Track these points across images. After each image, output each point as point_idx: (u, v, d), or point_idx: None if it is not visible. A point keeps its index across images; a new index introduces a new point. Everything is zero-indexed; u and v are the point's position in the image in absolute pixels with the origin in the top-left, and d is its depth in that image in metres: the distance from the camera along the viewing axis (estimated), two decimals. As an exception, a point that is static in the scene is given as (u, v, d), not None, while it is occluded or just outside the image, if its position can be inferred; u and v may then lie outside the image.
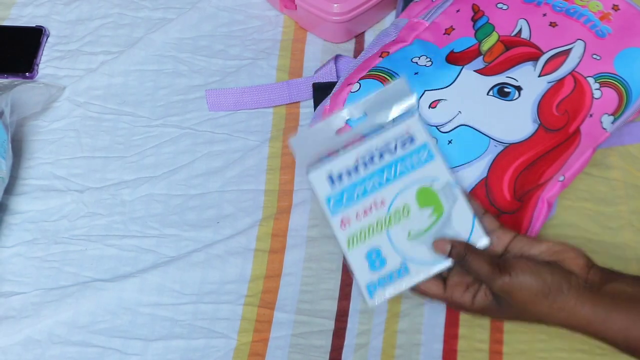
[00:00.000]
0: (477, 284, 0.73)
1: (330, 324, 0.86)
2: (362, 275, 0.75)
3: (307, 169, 0.77)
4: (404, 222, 0.76)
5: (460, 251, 0.73)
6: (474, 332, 0.84)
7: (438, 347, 0.84)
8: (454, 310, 0.78)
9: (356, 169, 0.77)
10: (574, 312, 0.69)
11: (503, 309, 0.72)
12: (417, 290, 0.75)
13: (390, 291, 0.75)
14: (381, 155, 0.77)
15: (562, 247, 0.72)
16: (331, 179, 0.77)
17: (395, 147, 0.77)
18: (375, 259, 0.75)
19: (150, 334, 0.86)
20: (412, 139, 0.77)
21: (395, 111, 0.77)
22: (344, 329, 0.86)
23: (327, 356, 0.84)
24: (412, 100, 0.77)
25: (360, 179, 0.77)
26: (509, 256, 0.73)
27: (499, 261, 0.72)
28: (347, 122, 0.77)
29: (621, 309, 0.69)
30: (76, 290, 0.89)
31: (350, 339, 0.85)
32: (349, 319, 0.86)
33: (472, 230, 0.75)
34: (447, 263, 0.74)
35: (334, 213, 0.76)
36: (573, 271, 0.71)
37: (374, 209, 0.76)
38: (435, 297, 0.75)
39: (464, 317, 0.85)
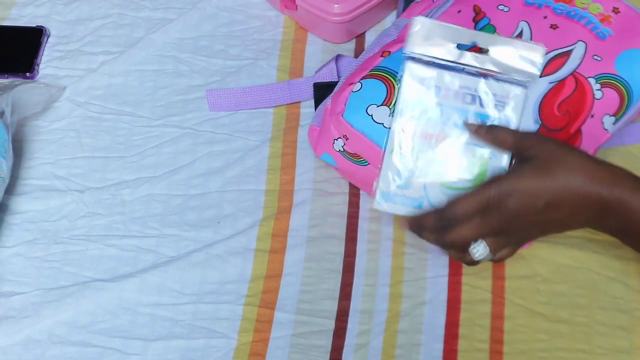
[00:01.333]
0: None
1: (331, 324, 0.86)
2: (385, 181, 0.77)
3: (408, 53, 0.77)
4: (445, 170, 0.77)
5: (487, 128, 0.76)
6: (474, 332, 0.84)
7: (438, 347, 0.84)
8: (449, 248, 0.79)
9: (445, 93, 0.77)
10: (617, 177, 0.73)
11: (526, 169, 0.73)
12: (415, 223, 0.77)
13: (393, 208, 0.78)
14: (472, 98, 0.77)
15: None
16: (422, 82, 0.77)
17: (485, 101, 0.77)
18: (402, 177, 0.77)
19: (151, 334, 0.86)
20: (504, 105, 0.77)
21: (519, 64, 0.77)
22: (344, 329, 0.85)
23: (328, 356, 0.84)
24: (538, 56, 0.76)
25: (443, 105, 0.77)
26: None
27: None
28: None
29: None
30: (76, 290, 0.89)
31: (350, 339, 0.85)
32: (349, 319, 0.86)
33: None
34: None
35: (401, 115, 0.77)
36: None
37: (431, 139, 0.77)
38: (432, 227, 0.76)
39: (464, 317, 0.85)
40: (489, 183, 0.75)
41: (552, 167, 0.73)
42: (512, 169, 0.76)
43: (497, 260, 0.78)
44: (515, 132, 0.76)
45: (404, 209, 0.78)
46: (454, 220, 0.75)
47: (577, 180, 0.73)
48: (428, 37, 0.77)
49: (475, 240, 0.75)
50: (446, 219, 0.75)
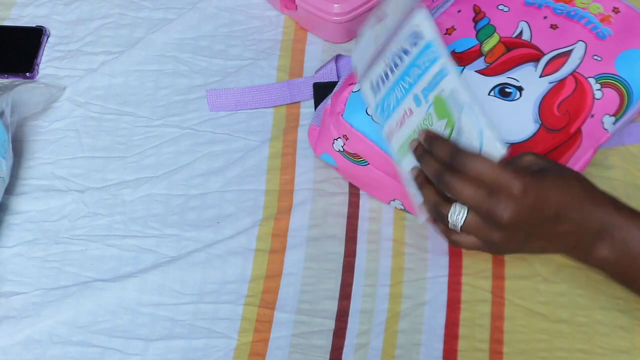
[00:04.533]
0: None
1: (331, 324, 0.86)
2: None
3: (360, 81, 0.76)
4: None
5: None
6: (474, 332, 0.84)
7: (438, 347, 0.84)
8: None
9: (386, 75, 0.76)
10: (604, 206, 0.73)
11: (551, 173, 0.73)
12: (429, 137, 0.76)
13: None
14: (400, 59, 0.75)
15: None
16: (372, 88, 0.76)
17: (409, 48, 0.75)
18: None
19: (151, 334, 0.86)
20: (420, 35, 0.75)
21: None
22: (345, 329, 0.85)
23: (328, 356, 0.84)
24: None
25: (390, 86, 0.76)
26: None
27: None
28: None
29: None
30: (77, 290, 0.89)
31: (350, 339, 0.85)
32: (350, 319, 0.86)
33: (481, 141, 0.73)
34: None
35: (383, 123, 0.76)
36: None
37: (406, 118, 0.75)
38: (441, 155, 0.75)
39: (464, 317, 0.85)
40: (518, 171, 0.74)
41: (571, 182, 0.73)
42: (535, 173, 0.75)
43: (453, 242, 0.79)
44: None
45: None
46: (462, 166, 0.74)
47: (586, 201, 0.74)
48: (365, 56, 0.77)
49: (463, 204, 0.75)
50: (458, 159, 0.74)
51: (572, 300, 0.85)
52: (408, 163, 0.74)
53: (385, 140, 0.75)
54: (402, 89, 0.75)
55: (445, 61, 0.73)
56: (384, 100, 0.75)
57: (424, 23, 0.74)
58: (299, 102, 1.02)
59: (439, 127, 0.74)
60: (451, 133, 0.73)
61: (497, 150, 0.72)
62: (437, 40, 0.74)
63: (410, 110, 0.74)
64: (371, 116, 0.84)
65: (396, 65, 0.75)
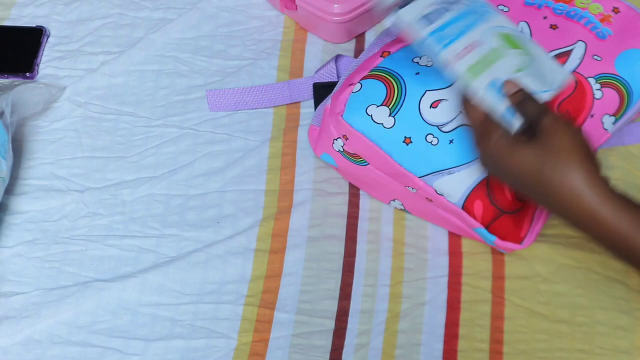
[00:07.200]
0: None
1: (331, 324, 0.86)
2: (496, 104, 0.76)
3: (397, 8, 0.78)
4: (506, 60, 0.78)
5: (524, 97, 0.76)
6: (474, 332, 0.84)
7: (438, 347, 0.84)
8: (476, 145, 0.79)
9: (445, 10, 0.79)
10: (603, 194, 0.71)
11: (528, 148, 0.73)
12: (467, 107, 0.78)
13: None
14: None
15: None
16: (426, 18, 0.78)
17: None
18: (498, 89, 0.77)
19: (151, 334, 0.86)
20: None
21: None
22: (344, 329, 0.86)
23: (328, 356, 0.84)
24: None
25: (451, 18, 0.79)
26: None
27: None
28: None
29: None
30: (76, 290, 0.89)
31: (350, 339, 0.85)
32: (349, 319, 0.86)
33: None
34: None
35: (444, 47, 0.78)
36: None
37: (475, 47, 0.78)
38: (474, 120, 0.77)
39: (464, 317, 0.85)
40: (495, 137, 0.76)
41: (553, 162, 0.73)
42: (524, 139, 0.75)
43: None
44: (546, 114, 0.75)
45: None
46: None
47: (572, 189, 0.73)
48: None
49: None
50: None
51: (572, 300, 0.85)
52: (481, 81, 0.77)
53: (442, 65, 0.78)
54: (463, 25, 0.79)
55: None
56: (442, 28, 0.79)
57: None
58: (299, 102, 1.02)
59: (516, 54, 0.79)
60: (532, 60, 0.79)
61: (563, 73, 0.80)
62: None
63: (478, 42, 0.79)
64: (371, 116, 0.84)
65: (453, 4, 0.80)
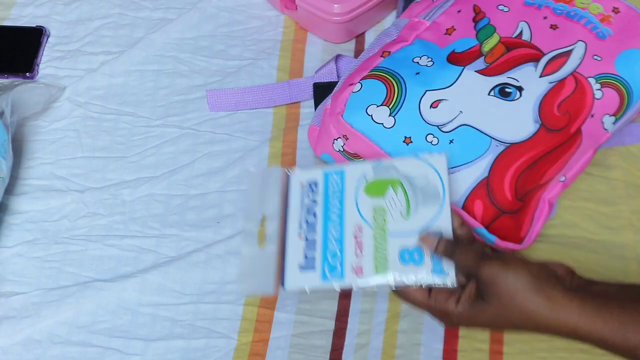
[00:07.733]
0: (460, 290, 0.71)
1: (331, 324, 0.86)
2: (421, 274, 0.71)
3: (281, 286, 0.73)
4: (392, 225, 0.73)
5: (448, 247, 0.71)
6: (474, 331, 0.84)
7: (438, 347, 0.84)
8: (438, 321, 0.74)
9: (308, 239, 0.75)
10: (562, 308, 0.67)
11: (488, 307, 0.69)
12: (402, 295, 0.73)
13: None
14: (310, 212, 0.76)
15: (545, 260, 0.71)
16: (302, 267, 0.74)
17: (312, 198, 0.77)
18: (410, 255, 0.72)
19: (151, 334, 0.86)
20: (314, 181, 0.77)
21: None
22: (345, 329, 0.86)
23: (328, 356, 0.84)
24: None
25: (322, 234, 0.75)
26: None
27: (487, 250, 0.71)
28: None
29: (612, 308, 0.67)
30: (76, 290, 0.89)
31: (350, 339, 0.85)
32: (350, 319, 0.86)
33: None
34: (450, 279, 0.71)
35: (342, 275, 0.73)
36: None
37: (361, 245, 0.73)
38: (419, 304, 0.72)
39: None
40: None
41: (513, 309, 0.69)
42: (476, 303, 0.71)
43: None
44: (480, 265, 0.69)
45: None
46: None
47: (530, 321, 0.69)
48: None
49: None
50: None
51: (572, 300, 0.85)
52: (393, 267, 0.71)
53: (353, 278, 0.72)
54: (334, 226, 0.75)
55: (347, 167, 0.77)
56: (325, 253, 0.73)
57: (299, 173, 0.78)
58: (299, 102, 1.02)
59: (394, 200, 0.74)
60: (406, 194, 0.74)
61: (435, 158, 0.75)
62: (324, 169, 0.77)
63: (359, 227, 0.74)
64: (371, 116, 0.84)
65: (308, 222, 0.76)
